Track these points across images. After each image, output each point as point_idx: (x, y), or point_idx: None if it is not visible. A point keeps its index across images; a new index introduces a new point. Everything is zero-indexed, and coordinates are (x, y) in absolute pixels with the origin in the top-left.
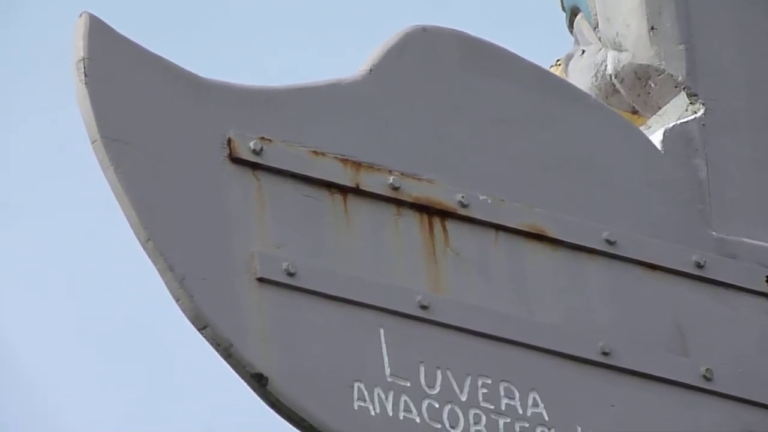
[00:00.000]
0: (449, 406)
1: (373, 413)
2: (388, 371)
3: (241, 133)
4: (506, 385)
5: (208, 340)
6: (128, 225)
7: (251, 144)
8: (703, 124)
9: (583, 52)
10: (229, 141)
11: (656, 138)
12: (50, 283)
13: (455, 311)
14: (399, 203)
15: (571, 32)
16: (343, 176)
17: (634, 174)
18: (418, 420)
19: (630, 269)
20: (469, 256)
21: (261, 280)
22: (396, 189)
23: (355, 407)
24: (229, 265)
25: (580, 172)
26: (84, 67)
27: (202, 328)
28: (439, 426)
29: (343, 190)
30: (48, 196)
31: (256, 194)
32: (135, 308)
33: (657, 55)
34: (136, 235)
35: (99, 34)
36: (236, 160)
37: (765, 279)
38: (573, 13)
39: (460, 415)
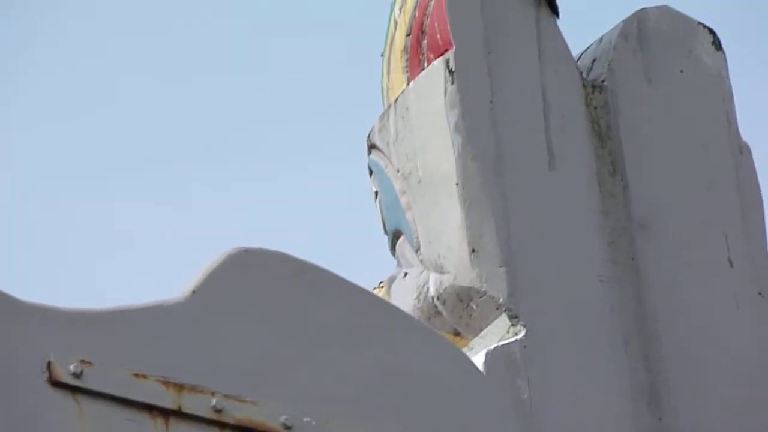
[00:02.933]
0: None
1: None
2: None
3: (62, 356)
4: None
5: None
6: None
7: (71, 367)
8: (525, 346)
9: (406, 274)
10: (49, 364)
11: (478, 359)
12: None
13: None
14: (222, 425)
15: (394, 255)
16: (165, 398)
17: (457, 395)
18: None
19: None
20: None
21: None
22: (219, 411)
23: None
24: None
25: (404, 394)
26: None
27: None
28: None
29: (165, 412)
30: None
31: (77, 418)
32: None
33: (478, 277)
34: None
35: None
36: (56, 384)
37: None
38: (395, 236)
39: None
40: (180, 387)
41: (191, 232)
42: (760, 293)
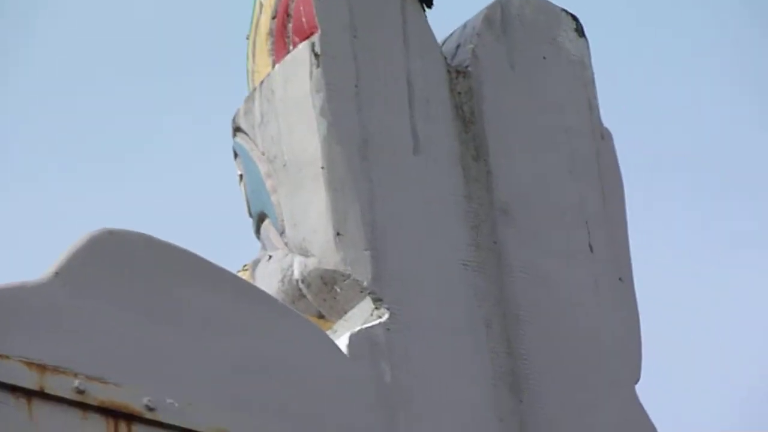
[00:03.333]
0: None
1: None
2: None
3: None
4: None
5: None
6: None
7: None
8: (388, 329)
9: (270, 257)
10: None
11: (342, 342)
12: None
13: None
14: (84, 407)
15: (258, 238)
16: (28, 379)
17: (321, 378)
18: None
19: None
20: None
21: None
22: (82, 392)
23: None
24: None
25: (268, 376)
26: None
27: None
28: None
29: (28, 393)
30: None
31: None
32: None
33: (343, 261)
34: None
35: None
36: None
37: None
38: (260, 219)
39: None
40: (42, 368)
41: (47, 215)
42: (620, 278)
